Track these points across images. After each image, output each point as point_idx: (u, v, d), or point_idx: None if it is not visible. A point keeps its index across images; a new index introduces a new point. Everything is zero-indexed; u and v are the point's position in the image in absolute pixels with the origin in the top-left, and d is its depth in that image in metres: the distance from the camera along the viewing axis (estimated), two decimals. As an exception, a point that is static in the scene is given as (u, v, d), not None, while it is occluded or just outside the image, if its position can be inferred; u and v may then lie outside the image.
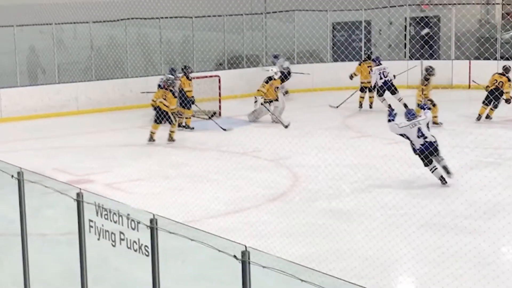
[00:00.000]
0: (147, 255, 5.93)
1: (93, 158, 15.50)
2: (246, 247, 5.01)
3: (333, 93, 23.71)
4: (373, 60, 20.81)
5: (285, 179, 13.53)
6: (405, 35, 25.54)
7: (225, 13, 23.87)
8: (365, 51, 23.09)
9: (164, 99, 17.02)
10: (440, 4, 25.38)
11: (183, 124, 18.47)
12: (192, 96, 18.48)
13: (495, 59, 23.47)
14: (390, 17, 26.40)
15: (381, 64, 20.35)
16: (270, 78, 19.27)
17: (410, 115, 13.18)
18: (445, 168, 12.85)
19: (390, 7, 25.90)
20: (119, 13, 22.33)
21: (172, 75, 18.44)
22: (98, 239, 6.41)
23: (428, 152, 12.77)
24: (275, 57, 22.90)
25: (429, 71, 17.89)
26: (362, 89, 20.79)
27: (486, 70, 22.86)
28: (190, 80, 18.64)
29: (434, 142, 12.84)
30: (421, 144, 12.81)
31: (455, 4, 24.28)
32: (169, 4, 23.09)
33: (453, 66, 24.13)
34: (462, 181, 12.24)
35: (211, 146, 16.52)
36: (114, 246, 6.27)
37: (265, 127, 18.44)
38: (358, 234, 10.09)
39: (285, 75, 20.12)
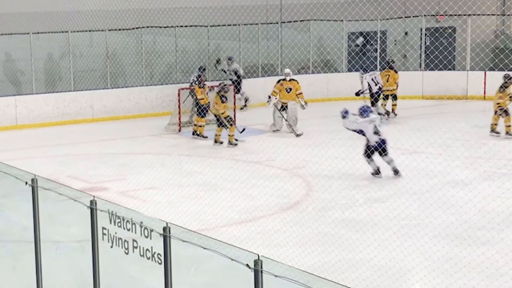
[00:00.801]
0: (160, 263, 5.95)
1: (107, 166, 15.56)
2: (258, 256, 5.02)
3: (348, 103, 23.69)
4: (361, 68, 21.05)
5: (298, 188, 13.53)
6: (421, 45, 25.52)
7: (241, 22, 23.93)
8: (386, 59, 23.09)
9: (216, 103, 17.67)
10: (456, 15, 25.34)
11: (197, 132, 18.51)
12: (208, 103, 18.56)
13: (510, 70, 23.38)
14: (406, 27, 26.38)
15: (366, 72, 20.64)
16: (280, 79, 19.41)
17: (365, 112, 14.12)
18: (394, 170, 13.90)
19: (406, 17, 25.89)
20: (134, 21, 22.45)
21: (200, 73, 19.05)
22: (111, 247, 6.44)
23: (381, 149, 13.80)
24: (230, 59, 22.83)
25: (508, 79, 17.73)
26: (386, 97, 20.84)
27: (501, 81, 22.81)
28: (202, 88, 18.66)
29: (385, 140, 13.91)
30: (376, 141, 13.83)
31: (470, 15, 24.22)
32: (185, 13, 23.19)
33: (468, 76, 24.07)
34: (476, 191, 12.18)
35: (225, 154, 16.54)
36: (127, 253, 6.29)
37: (279, 136, 18.45)
38: (371, 244, 10.07)
39: (238, 77, 20.81)
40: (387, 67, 21.09)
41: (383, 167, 14.10)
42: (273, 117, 19.30)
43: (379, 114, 19.37)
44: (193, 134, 18.52)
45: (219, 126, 17.64)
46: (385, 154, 13.90)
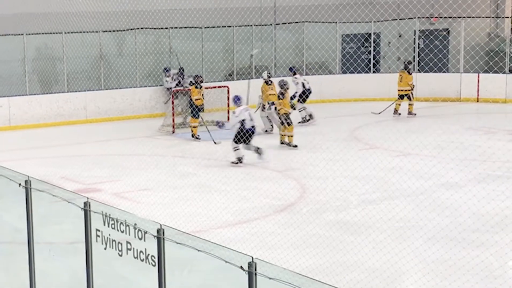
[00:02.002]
0: (154, 265, 5.92)
1: (101, 167, 15.52)
2: (253, 258, 5.00)
3: (342, 105, 23.75)
4: (290, 69, 21.26)
5: (293, 190, 13.51)
6: (414, 48, 25.55)
7: (235, 24, 23.92)
8: (404, 61, 23.08)
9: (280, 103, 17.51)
10: (450, 17, 25.37)
11: (191, 134, 18.49)
12: (202, 105, 18.55)
13: (504, 72, 23.44)
14: (400, 29, 26.41)
15: (296, 73, 20.99)
16: (266, 83, 19.37)
17: (239, 101, 15.80)
18: (257, 149, 15.46)
19: (400, 19, 25.91)
20: (128, 22, 22.41)
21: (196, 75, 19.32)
22: (105, 248, 6.40)
23: (251, 135, 15.34)
24: (167, 70, 22.29)
25: None
26: (401, 97, 21.04)
27: (495, 84, 22.89)
28: (199, 88, 18.66)
29: (254, 127, 15.54)
30: (251, 126, 15.38)
31: (464, 17, 24.27)
32: (179, 14, 23.16)
33: (461, 79, 24.11)
34: (470, 194, 12.18)
35: (219, 156, 16.51)
36: (121, 255, 6.26)
37: (274, 138, 18.43)
38: (365, 246, 10.06)
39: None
40: (402, 68, 21.57)
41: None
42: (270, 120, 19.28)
43: (302, 118, 20.12)
44: (192, 136, 18.49)
45: (287, 126, 17.30)
46: (251, 140, 15.45)
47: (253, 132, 15.46)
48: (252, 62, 22.80)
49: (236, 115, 15.51)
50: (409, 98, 21.19)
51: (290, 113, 17.36)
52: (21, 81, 21.02)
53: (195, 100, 18.52)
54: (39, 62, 22.10)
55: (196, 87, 18.73)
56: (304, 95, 20.45)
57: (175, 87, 21.02)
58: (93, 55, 22.49)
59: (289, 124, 17.29)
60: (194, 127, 18.48)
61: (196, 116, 18.49)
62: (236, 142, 15.48)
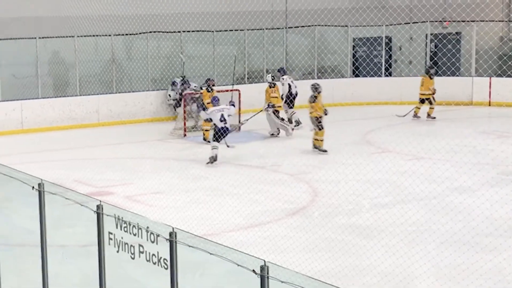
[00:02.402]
0: (166, 268, 5.91)
1: (113, 170, 15.54)
2: (265, 261, 4.98)
3: (353, 109, 23.69)
4: (278, 71, 21.29)
5: (304, 193, 13.49)
6: (426, 51, 25.49)
7: (246, 27, 23.93)
8: (426, 66, 22.99)
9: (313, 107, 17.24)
10: (462, 21, 25.30)
11: (203, 137, 18.50)
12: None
13: (517, 75, 23.34)
14: (412, 33, 26.35)
15: (285, 74, 21.02)
16: (269, 85, 19.42)
17: (215, 101, 16.66)
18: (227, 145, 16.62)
19: (412, 23, 25.85)
20: (140, 26, 22.46)
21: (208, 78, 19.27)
22: (118, 251, 6.40)
23: (223, 134, 16.16)
24: (174, 84, 21.90)
25: None
26: (422, 101, 21.12)
27: (507, 88, 22.78)
28: (210, 92, 18.69)
29: (229, 128, 16.32)
30: (222, 127, 16.18)
31: (476, 21, 24.19)
32: (190, 18, 23.19)
33: (473, 83, 24.01)
34: (483, 198, 12.13)
35: (230, 159, 16.50)
36: (133, 258, 6.26)
37: (285, 141, 18.42)
38: (378, 250, 10.02)
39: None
40: (424, 73, 21.76)
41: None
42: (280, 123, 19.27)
43: (290, 122, 20.01)
44: (204, 139, 18.49)
45: (318, 130, 17.04)
46: (223, 138, 16.31)
47: (225, 132, 16.26)
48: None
49: (207, 113, 16.68)
50: (430, 102, 21.18)
51: (321, 116, 17.04)
52: (34, 85, 21.09)
53: (207, 103, 18.55)
54: (51, 66, 22.18)
55: (208, 91, 18.78)
56: (288, 99, 20.53)
57: (178, 101, 20.97)
58: (105, 58, 22.55)
59: (320, 129, 16.97)
60: (206, 130, 18.47)
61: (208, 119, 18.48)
62: (214, 140, 16.27)
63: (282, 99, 20.27)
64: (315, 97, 17.26)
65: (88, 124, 21.06)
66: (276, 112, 19.10)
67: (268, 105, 19.10)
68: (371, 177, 14.25)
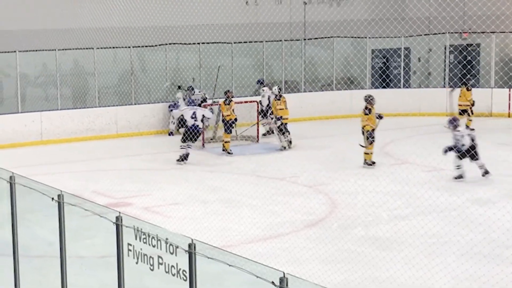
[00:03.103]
0: (185, 280, 5.88)
1: (131, 182, 15.56)
2: (284, 273, 4.95)
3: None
4: (257, 82, 21.30)
5: (323, 205, 13.44)
6: (445, 62, 25.38)
7: (265, 39, 23.96)
8: (465, 79, 22.86)
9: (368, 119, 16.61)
10: (481, 32, 25.18)
11: (223, 148, 18.51)
12: (233, 120, 18.60)
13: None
14: (432, 44, 26.26)
15: (265, 86, 21.08)
16: (275, 97, 19.38)
17: (190, 103, 18.17)
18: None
19: (431, 34, 25.77)
20: (159, 38, 22.54)
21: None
22: (137, 263, 6.39)
23: (195, 132, 17.25)
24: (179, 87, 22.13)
25: None
26: (461, 112, 21.04)
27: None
28: (228, 104, 18.68)
29: (200, 128, 17.56)
30: (192, 124, 17.23)
31: (495, 32, 24.07)
32: (209, 29, 23.26)
33: (492, 94, 23.87)
34: (504, 210, 12.02)
35: (248, 171, 16.49)
36: (152, 270, 6.24)
37: (303, 153, 18.37)
38: (397, 262, 9.95)
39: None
40: (462, 85, 21.58)
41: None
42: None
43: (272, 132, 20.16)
44: (222, 150, 18.52)
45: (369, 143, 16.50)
46: (195, 140, 17.44)
47: (195, 130, 17.30)
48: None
49: (180, 110, 18.04)
50: (468, 114, 21.07)
51: (374, 130, 16.52)
52: (53, 96, 21.20)
53: (226, 116, 18.60)
54: (71, 77, 22.29)
55: (225, 103, 18.77)
56: (266, 111, 20.63)
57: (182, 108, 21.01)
58: (123, 70, 22.63)
59: (370, 142, 16.43)
60: (226, 142, 18.48)
61: (229, 131, 18.52)
62: (183, 141, 17.24)
63: (262, 111, 20.29)
64: (370, 109, 16.57)
65: (106, 135, 21.13)
66: (281, 124, 18.93)
67: (276, 117, 18.98)
68: (391, 189, 14.17)
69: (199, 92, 21.33)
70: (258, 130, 20.21)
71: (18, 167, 11.32)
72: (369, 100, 16.66)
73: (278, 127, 18.89)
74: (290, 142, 19.04)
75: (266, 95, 20.81)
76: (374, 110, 16.61)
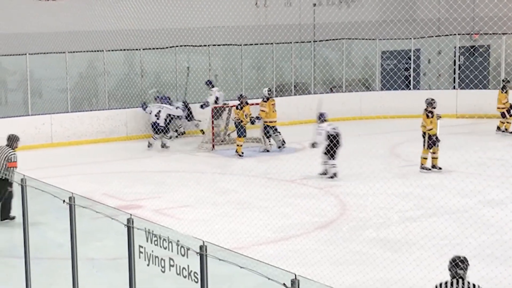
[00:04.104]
0: (196, 282, 5.87)
1: (142, 184, 15.56)
2: (296, 275, 4.93)
3: (382, 122, 23.55)
4: (206, 83, 21.30)
5: (333, 207, 13.40)
6: (454, 64, 25.30)
7: (274, 41, 23.93)
8: (503, 79, 22.66)
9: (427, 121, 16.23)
10: (491, 34, 25.10)
11: (236, 151, 18.53)
12: (252, 121, 18.71)
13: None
14: (443, 46, 26.17)
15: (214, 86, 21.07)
16: (263, 99, 19.24)
17: (159, 99, 20.19)
18: (149, 144, 19.57)
19: (440, 36, 25.69)
20: (169, 40, 22.54)
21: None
22: (148, 265, 6.38)
23: (154, 128, 19.43)
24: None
25: None
26: (502, 114, 20.93)
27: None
28: (240, 109, 18.62)
29: (160, 125, 19.41)
30: (154, 121, 19.49)
31: (505, 33, 23.97)
32: (219, 31, 23.25)
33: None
34: (516, 212, 11.96)
35: (259, 173, 16.46)
36: (163, 272, 6.23)
37: (313, 154, 18.31)
38: (409, 264, 9.89)
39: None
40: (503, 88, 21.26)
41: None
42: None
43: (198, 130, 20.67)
44: (236, 151, 18.53)
45: (428, 148, 16.09)
46: (157, 134, 19.58)
47: (154, 126, 19.57)
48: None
49: (149, 106, 20.04)
50: (503, 116, 20.86)
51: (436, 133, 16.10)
52: (63, 99, 21.23)
53: (238, 119, 18.58)
54: (81, 80, 22.33)
55: (237, 108, 18.72)
56: (215, 111, 20.44)
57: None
58: (133, 72, 22.65)
59: (431, 146, 16.05)
60: (238, 145, 18.45)
61: (242, 135, 18.47)
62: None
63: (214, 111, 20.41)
64: (431, 112, 16.16)
65: (116, 137, 21.14)
66: (267, 127, 18.80)
67: (257, 117, 18.97)
68: (402, 190, 14.12)
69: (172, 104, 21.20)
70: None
71: (29, 170, 11.31)
72: (430, 103, 16.35)
73: (265, 128, 18.78)
74: (283, 142, 19.13)
75: (213, 95, 20.75)
76: (435, 114, 16.26)
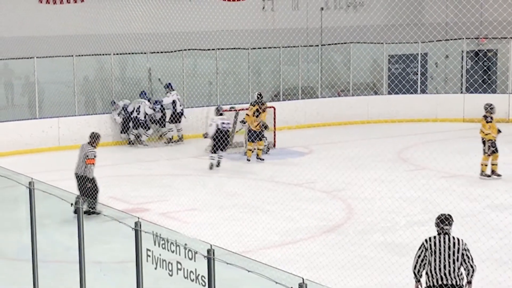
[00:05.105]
0: (204, 285, 5.86)
1: (149, 187, 15.56)
2: (303, 279, 4.92)
3: (388, 126, 23.50)
4: (165, 86, 21.18)
5: (339, 211, 13.38)
6: (462, 68, 25.24)
7: (281, 45, 23.92)
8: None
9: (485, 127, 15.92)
10: (499, 38, 25.03)
11: (245, 153, 18.51)
12: (265, 126, 18.55)
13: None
14: (451, 50, 26.11)
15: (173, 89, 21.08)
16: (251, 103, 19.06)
17: (142, 95, 20.95)
18: (138, 137, 20.43)
19: (447, 40, 25.65)
20: (176, 44, 22.55)
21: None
22: (155, 268, 6.37)
23: (134, 122, 20.14)
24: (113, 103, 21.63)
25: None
26: None
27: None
28: (248, 115, 18.57)
29: (140, 119, 20.23)
30: (134, 116, 20.16)
31: (513, 37, 23.91)
32: (226, 35, 23.26)
33: (510, 99, 23.69)
34: (524, 217, 11.93)
35: (265, 177, 16.45)
36: (171, 275, 6.22)
37: (320, 158, 18.30)
38: (416, 269, 9.85)
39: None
40: None
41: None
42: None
43: (168, 139, 20.88)
44: (244, 154, 18.50)
45: (485, 153, 15.71)
46: (135, 128, 20.35)
47: (134, 121, 20.31)
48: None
49: (130, 102, 20.53)
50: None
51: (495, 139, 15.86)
52: (70, 102, 21.25)
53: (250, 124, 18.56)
54: (88, 83, 22.35)
55: (256, 112, 18.66)
56: (173, 115, 20.77)
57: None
58: (141, 76, 22.66)
59: (492, 152, 15.74)
60: (248, 149, 18.42)
61: (251, 140, 18.42)
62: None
63: (172, 115, 20.68)
64: (492, 117, 15.95)
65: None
66: (250, 132, 18.64)
67: (242, 121, 18.99)
68: (411, 195, 14.07)
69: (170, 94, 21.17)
70: (275, 135, 20.12)
71: (36, 173, 11.32)
72: (489, 109, 16.12)
73: (248, 132, 18.66)
74: (268, 148, 19.20)
75: (170, 98, 20.72)
76: (494, 119, 16.02)
